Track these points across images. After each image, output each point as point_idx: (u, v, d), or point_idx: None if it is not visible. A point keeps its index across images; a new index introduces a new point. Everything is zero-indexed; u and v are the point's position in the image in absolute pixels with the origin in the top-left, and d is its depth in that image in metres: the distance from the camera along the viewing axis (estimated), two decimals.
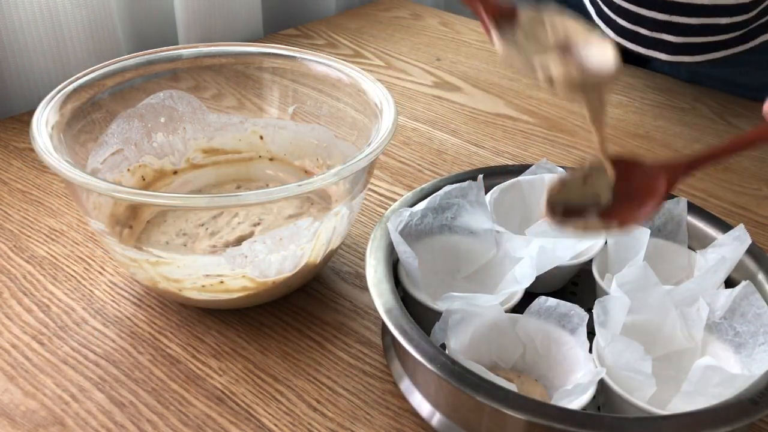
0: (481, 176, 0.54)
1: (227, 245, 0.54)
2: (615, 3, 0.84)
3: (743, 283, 0.47)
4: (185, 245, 0.55)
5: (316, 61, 0.60)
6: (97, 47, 0.85)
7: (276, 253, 0.49)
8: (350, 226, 0.55)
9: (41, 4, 0.78)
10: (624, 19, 0.85)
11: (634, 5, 0.82)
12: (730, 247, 0.51)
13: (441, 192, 0.54)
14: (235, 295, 0.51)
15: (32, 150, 0.72)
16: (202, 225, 0.57)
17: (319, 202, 0.60)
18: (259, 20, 1.05)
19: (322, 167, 0.63)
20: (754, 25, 0.82)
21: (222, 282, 0.50)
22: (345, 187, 0.53)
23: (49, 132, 0.49)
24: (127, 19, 0.93)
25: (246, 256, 0.48)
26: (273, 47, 0.62)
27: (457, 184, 0.54)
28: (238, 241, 0.54)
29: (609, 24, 0.90)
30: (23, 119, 0.78)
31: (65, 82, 0.53)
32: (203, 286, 0.50)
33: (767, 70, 0.86)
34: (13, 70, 0.80)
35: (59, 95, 0.52)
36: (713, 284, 0.49)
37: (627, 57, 0.93)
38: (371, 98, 0.56)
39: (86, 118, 0.54)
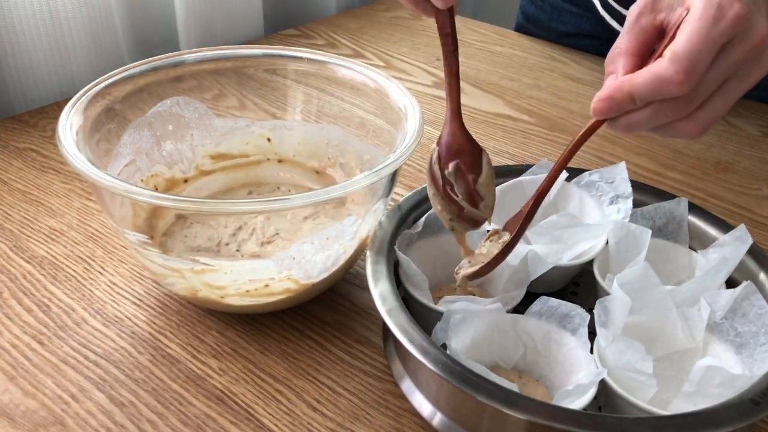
0: None
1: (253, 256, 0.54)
2: None
3: (744, 283, 0.47)
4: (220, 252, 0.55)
5: (341, 65, 0.60)
6: (98, 47, 0.85)
7: (321, 252, 0.49)
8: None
9: (41, 3, 0.78)
10: (625, 7, 0.86)
11: None
12: (732, 247, 0.51)
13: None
14: (276, 298, 0.51)
15: (32, 150, 0.73)
16: (209, 238, 0.56)
17: (331, 201, 0.60)
18: (259, 20, 1.05)
19: (334, 166, 0.63)
20: None
21: (267, 285, 0.50)
22: (385, 183, 0.52)
23: (75, 139, 0.48)
24: (127, 18, 0.93)
25: (294, 258, 0.48)
26: (298, 50, 0.62)
27: None
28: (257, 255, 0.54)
29: (612, 13, 0.90)
30: (23, 119, 0.78)
31: (80, 93, 0.52)
32: (247, 291, 0.50)
33: None
34: (13, 70, 0.80)
35: (76, 105, 0.51)
36: (714, 284, 0.49)
37: None
38: (393, 101, 0.56)
39: (102, 129, 0.53)
